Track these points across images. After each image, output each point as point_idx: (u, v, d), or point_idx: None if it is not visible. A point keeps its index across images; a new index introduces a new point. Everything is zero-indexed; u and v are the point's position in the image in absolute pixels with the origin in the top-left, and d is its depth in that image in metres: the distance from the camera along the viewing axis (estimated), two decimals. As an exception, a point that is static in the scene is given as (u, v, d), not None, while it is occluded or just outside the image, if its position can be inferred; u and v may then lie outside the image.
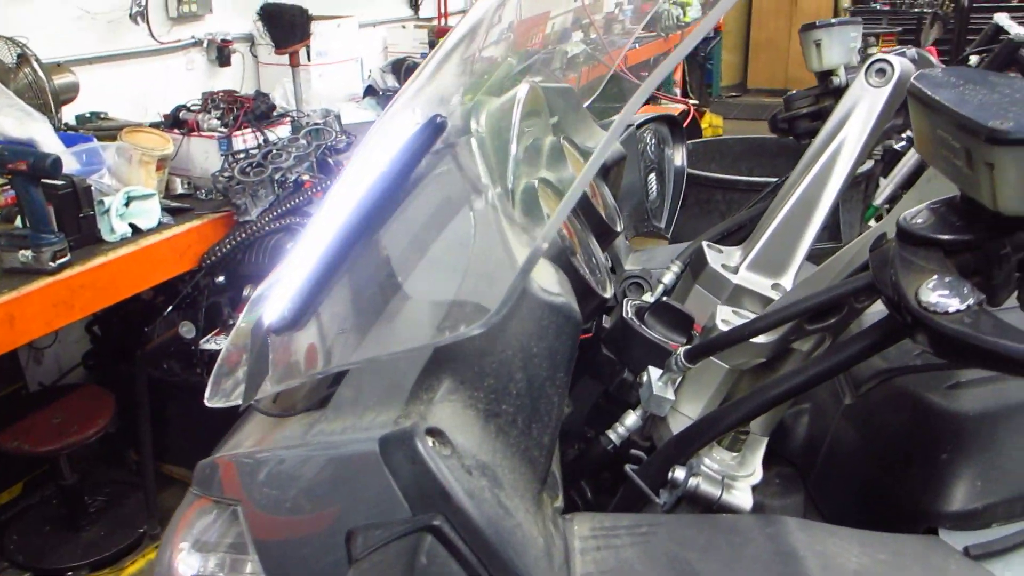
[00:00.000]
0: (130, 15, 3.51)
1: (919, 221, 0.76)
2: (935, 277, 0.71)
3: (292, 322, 0.90)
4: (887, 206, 3.79)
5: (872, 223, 4.17)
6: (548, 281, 0.86)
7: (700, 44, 8.87)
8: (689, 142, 4.48)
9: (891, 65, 1.24)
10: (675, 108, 5.97)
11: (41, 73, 2.91)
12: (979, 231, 0.74)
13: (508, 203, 0.92)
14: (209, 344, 2.97)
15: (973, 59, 3.36)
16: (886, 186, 3.45)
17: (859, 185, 3.50)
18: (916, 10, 9.70)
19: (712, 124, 8.79)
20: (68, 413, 2.88)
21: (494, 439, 0.82)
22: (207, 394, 1.05)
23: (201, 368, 3.07)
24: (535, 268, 0.86)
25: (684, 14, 7.48)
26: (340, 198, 1.04)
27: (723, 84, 11.40)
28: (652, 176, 1.89)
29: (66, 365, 3.46)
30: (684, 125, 5.79)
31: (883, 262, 0.77)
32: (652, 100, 6.41)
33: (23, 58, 2.91)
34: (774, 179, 3.57)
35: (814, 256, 1.29)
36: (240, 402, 0.98)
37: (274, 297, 0.99)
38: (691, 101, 6.41)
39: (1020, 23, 3.40)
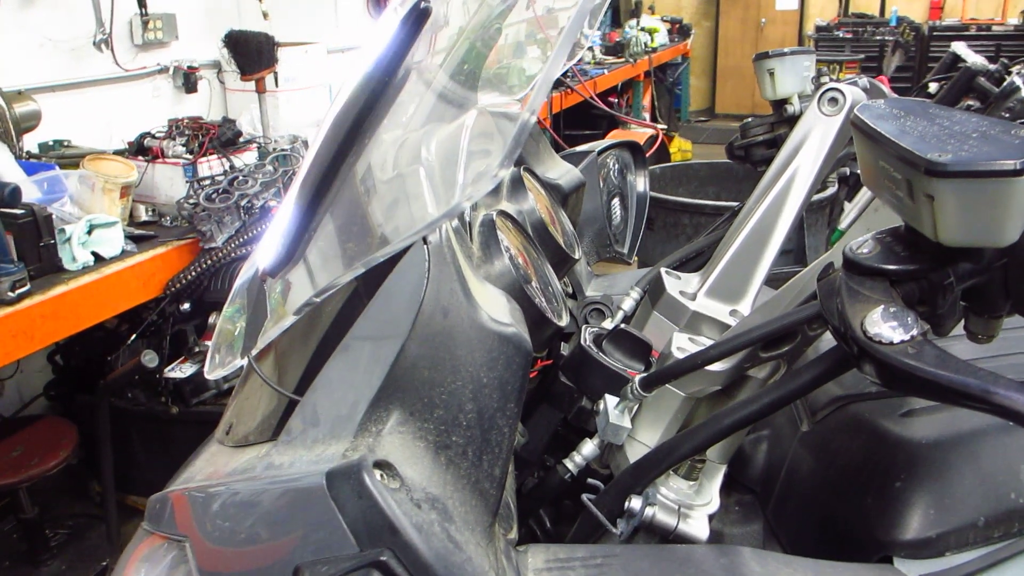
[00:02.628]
0: (94, 43, 3.50)
1: (865, 251, 0.77)
2: (880, 308, 0.72)
3: (285, 259, 0.88)
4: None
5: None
6: (499, 311, 0.86)
7: (668, 69, 8.99)
8: (657, 167, 4.53)
9: (843, 94, 1.26)
10: (644, 133, 6.04)
11: (1, 101, 2.88)
12: (923, 261, 0.75)
13: (465, 236, 0.91)
14: (174, 372, 2.93)
15: (932, 86, 3.43)
16: (850, 210, 3.49)
17: (823, 209, 3.54)
18: (878, 38, 9.90)
19: (681, 148, 8.88)
20: (28, 445, 2.83)
21: (444, 471, 0.81)
22: (206, 367, 1.02)
23: (166, 397, 3.03)
24: (485, 298, 0.86)
25: (652, 40, 7.57)
26: (325, 123, 1.01)
27: (692, 109, 11.54)
28: (616, 201, 1.90)
29: (28, 395, 3.40)
30: (653, 149, 5.85)
31: (830, 292, 0.78)
32: (621, 124, 6.48)
33: (-17, 86, 2.88)
34: (740, 203, 3.64)
35: (778, 280, 1.30)
36: (239, 360, 0.95)
37: (264, 245, 0.97)
38: (660, 126, 6.48)
39: (977, 52, 3.49)
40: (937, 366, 0.68)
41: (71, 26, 3.47)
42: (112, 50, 3.56)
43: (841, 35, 10.27)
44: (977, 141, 0.71)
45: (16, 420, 3.20)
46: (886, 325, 0.71)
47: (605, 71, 6.39)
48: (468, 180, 0.73)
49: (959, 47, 3.47)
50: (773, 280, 1.30)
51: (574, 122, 6.26)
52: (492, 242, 1.01)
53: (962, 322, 0.82)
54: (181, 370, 2.92)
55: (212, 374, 0.95)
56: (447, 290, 0.83)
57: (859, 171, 0.84)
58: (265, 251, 0.91)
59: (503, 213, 1.08)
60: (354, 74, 0.97)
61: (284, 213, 0.89)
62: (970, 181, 0.67)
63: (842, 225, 3.82)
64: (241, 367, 0.95)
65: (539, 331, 1.03)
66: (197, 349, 2.96)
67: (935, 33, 10.15)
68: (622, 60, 6.89)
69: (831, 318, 0.77)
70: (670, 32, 8.72)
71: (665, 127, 7.45)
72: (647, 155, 5.75)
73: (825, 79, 1.53)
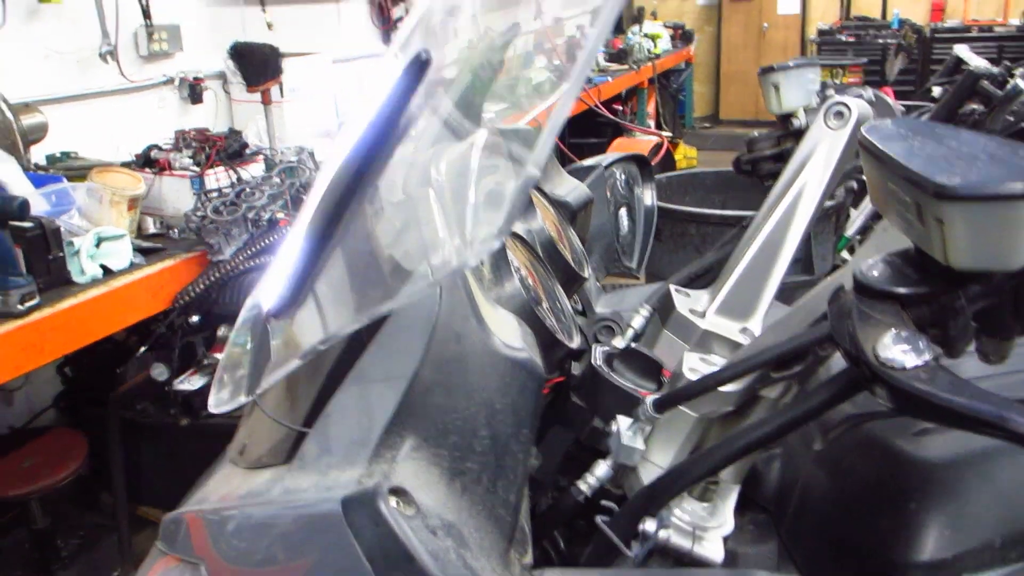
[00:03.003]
0: (100, 54, 3.51)
1: (875, 274, 0.77)
2: (892, 332, 0.72)
3: (290, 302, 0.89)
4: (858, 237, 3.85)
5: (844, 254, 4.22)
6: (511, 336, 0.86)
7: (672, 76, 9.00)
8: (662, 175, 4.53)
9: (848, 108, 1.26)
10: (649, 140, 6.04)
11: (8, 114, 2.90)
12: (934, 284, 0.75)
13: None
14: (183, 385, 2.94)
15: (936, 90, 3.44)
16: (856, 217, 3.50)
17: (830, 217, 3.54)
18: (880, 41, 9.90)
19: (686, 155, 8.89)
20: (39, 457, 2.84)
21: (459, 497, 0.81)
22: (211, 401, 1.02)
23: (175, 409, 3.03)
24: (495, 323, 0.86)
25: (655, 46, 7.58)
26: (332, 162, 1.01)
27: (696, 115, 11.55)
28: (623, 211, 1.90)
29: (37, 406, 3.41)
30: (659, 157, 5.84)
31: (841, 315, 0.78)
32: (626, 132, 6.49)
33: (-9, 99, 2.90)
34: (747, 212, 3.63)
35: (786, 290, 1.30)
36: (243, 398, 0.96)
37: (269, 284, 0.97)
38: (665, 133, 6.49)
39: (979, 55, 3.49)
40: (951, 392, 0.68)
41: (76, 38, 3.48)
42: (117, 61, 3.57)
43: (843, 39, 10.27)
44: (986, 163, 0.71)
45: (26, 431, 3.21)
46: (898, 350, 0.71)
47: (609, 78, 6.40)
48: (472, 239, 0.74)
49: (962, 50, 3.48)
50: (781, 290, 1.30)
51: (579, 130, 6.26)
52: (502, 264, 1.02)
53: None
54: (190, 382, 2.92)
55: (217, 408, 0.95)
56: (459, 315, 0.84)
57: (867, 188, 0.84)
58: (269, 290, 0.91)
59: (512, 233, 1.09)
60: (355, 121, 0.97)
61: (288, 253, 0.89)
62: (980, 204, 0.67)
63: (849, 232, 3.83)
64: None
65: (550, 353, 1.04)
66: (206, 361, 2.96)
67: (937, 35, 10.16)
68: (625, 67, 6.90)
69: (843, 341, 0.77)
70: (673, 38, 8.74)
71: (670, 134, 7.46)
72: (653, 163, 5.77)
73: (830, 92, 1.53)
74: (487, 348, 0.84)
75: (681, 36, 9.16)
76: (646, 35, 7.44)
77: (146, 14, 3.66)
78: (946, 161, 0.70)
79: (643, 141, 6.15)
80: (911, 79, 9.80)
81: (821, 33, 10.74)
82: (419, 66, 0.78)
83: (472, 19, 1.41)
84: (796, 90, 1.51)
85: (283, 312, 0.87)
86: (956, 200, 0.66)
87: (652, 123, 8.04)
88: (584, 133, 6.29)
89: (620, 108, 7.13)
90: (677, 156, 8.03)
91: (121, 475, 3.06)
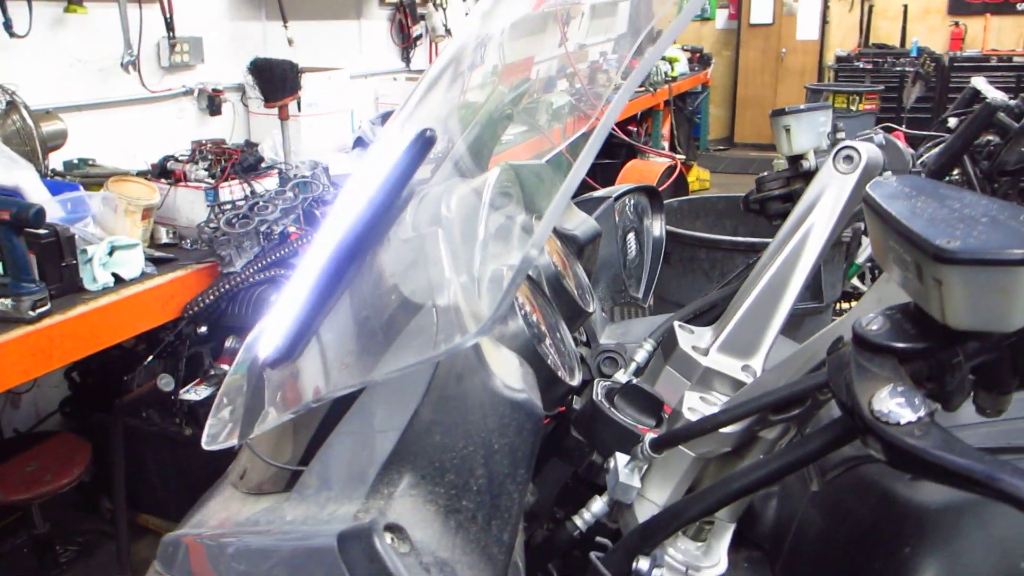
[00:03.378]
0: (121, 64, 3.55)
1: (874, 328, 0.77)
2: (889, 387, 0.73)
3: (287, 354, 0.90)
4: (869, 264, 3.85)
5: (855, 281, 4.21)
6: (511, 376, 0.87)
7: (688, 98, 9.02)
8: (673, 200, 4.54)
9: (858, 152, 1.26)
10: (663, 163, 6.06)
11: (29, 120, 2.94)
12: (932, 339, 0.75)
13: (474, 294, 0.93)
14: (189, 394, 2.96)
15: (952, 121, 3.44)
16: (868, 245, 3.50)
17: (840, 245, 3.54)
18: (898, 69, 9.90)
19: (699, 177, 8.91)
20: (42, 461, 2.85)
21: (454, 535, 0.82)
22: (204, 438, 1.03)
23: (180, 418, 3.06)
24: (496, 362, 0.87)
25: (672, 69, 7.60)
26: (331, 226, 1.04)
27: (711, 138, 11.57)
28: (631, 236, 1.90)
29: (44, 410, 3.44)
30: (671, 180, 5.84)
31: (839, 366, 0.79)
32: (640, 154, 6.50)
33: (12, 105, 2.94)
34: (757, 239, 3.63)
35: (795, 317, 1.30)
36: (235, 442, 0.97)
37: (268, 332, 0.98)
38: (678, 156, 6.50)
39: (997, 85, 3.50)
40: (943, 449, 0.69)
41: (99, 47, 3.53)
42: (139, 71, 3.62)
43: (861, 66, 10.29)
44: (986, 227, 0.71)
45: (31, 435, 3.23)
46: (894, 404, 0.72)
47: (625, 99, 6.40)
48: (470, 325, 0.75)
49: (979, 82, 3.48)
50: (792, 317, 1.30)
51: (592, 150, 6.26)
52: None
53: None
54: (196, 392, 2.94)
55: (208, 445, 0.96)
56: (461, 355, 0.85)
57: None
58: (267, 338, 0.92)
59: (513, 267, 1.09)
60: (356, 191, 1.00)
61: (288, 304, 0.91)
62: (978, 269, 0.68)
63: (859, 259, 3.83)
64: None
65: (551, 390, 1.05)
66: (213, 372, 2.98)
67: (955, 64, 10.16)
68: (642, 89, 6.91)
69: (839, 393, 0.78)
70: (690, 61, 8.76)
71: (684, 156, 7.47)
72: (666, 185, 5.77)
73: (841, 135, 1.54)
74: (487, 388, 0.85)
75: (699, 59, 9.18)
76: (664, 58, 7.46)
77: (169, 26, 3.71)
78: (947, 223, 0.70)
79: (656, 163, 6.17)
80: (928, 107, 9.81)
81: (839, 59, 10.76)
82: (423, 144, 0.80)
83: (499, 47, 1.43)
84: (807, 133, 1.52)
85: (278, 363, 0.89)
86: (955, 264, 0.67)
87: (666, 145, 8.05)
88: (598, 154, 6.29)
89: (635, 129, 7.15)
90: (690, 178, 8.05)
91: (123, 482, 3.07)
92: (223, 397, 1.02)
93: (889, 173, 1.39)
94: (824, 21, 11.52)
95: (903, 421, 0.71)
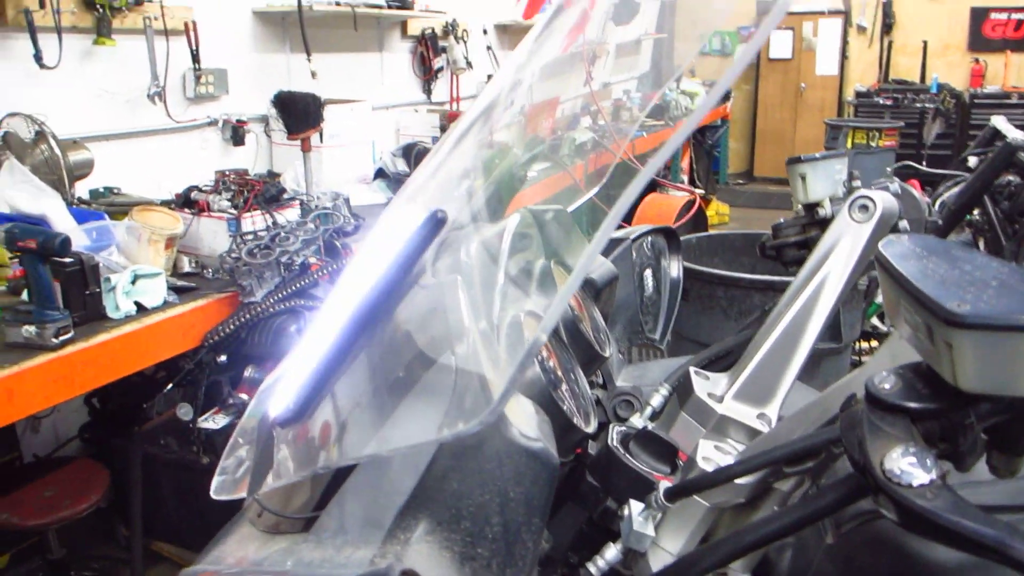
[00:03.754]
0: (148, 95, 3.62)
1: (887, 387, 0.78)
2: (900, 447, 0.73)
3: (296, 416, 0.92)
4: (888, 304, 3.82)
5: (875, 320, 4.19)
6: (527, 425, 0.88)
7: (707, 132, 9.05)
8: (691, 236, 4.55)
9: (873, 202, 1.27)
10: (682, 197, 6.07)
11: (57, 150, 3.00)
12: (944, 400, 0.76)
13: (492, 340, 0.94)
14: (207, 423, 2.98)
15: (972, 160, 3.44)
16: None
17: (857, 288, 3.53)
18: (918, 105, 9.89)
19: (719, 211, 8.91)
20: (60, 487, 2.87)
21: (468, 583, 0.83)
22: (212, 486, 1.05)
23: (198, 447, 3.07)
24: (513, 411, 0.89)
25: (692, 102, 7.63)
26: (344, 291, 1.06)
27: (730, 171, 11.59)
28: (648, 272, 1.91)
29: (63, 435, 3.47)
30: (690, 215, 5.84)
31: (851, 424, 0.79)
32: (659, 188, 6.52)
33: (40, 135, 3.00)
34: (775, 277, 3.62)
35: (814, 356, 1.30)
36: (244, 495, 0.99)
37: (280, 390, 1.00)
38: (698, 190, 6.51)
39: (1018, 122, 3.49)
40: (954, 513, 0.69)
41: (127, 78, 3.61)
42: (165, 102, 3.69)
43: (881, 101, 10.29)
44: (996, 291, 0.72)
45: (50, 460, 3.26)
46: (905, 466, 0.72)
47: (644, 133, 6.45)
48: (475, 406, 0.77)
49: (999, 122, 3.48)
50: (810, 356, 1.30)
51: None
52: (520, 347, 1.04)
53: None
54: (214, 421, 2.96)
55: (217, 495, 0.97)
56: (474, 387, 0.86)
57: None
58: (278, 396, 0.94)
59: (532, 314, 1.11)
60: (364, 265, 1.03)
61: (301, 364, 0.93)
62: (988, 334, 0.69)
63: (879, 299, 3.80)
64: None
65: (567, 437, 1.06)
66: (231, 401, 3.00)
67: (976, 101, 10.14)
68: (661, 123, 6.95)
69: (852, 450, 0.78)
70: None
71: (703, 190, 7.49)
72: (685, 219, 5.77)
73: (857, 183, 1.55)
74: (504, 437, 0.86)
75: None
76: (683, 92, 7.50)
77: (195, 58, 3.78)
78: (958, 286, 0.71)
79: (675, 197, 6.18)
80: (948, 144, 9.79)
81: (859, 95, 10.77)
82: (434, 224, 0.83)
83: (528, 89, 1.46)
84: (823, 181, 1.53)
85: (288, 423, 0.90)
86: (965, 328, 0.68)
87: (686, 179, 8.07)
88: (616, 185, 6.32)
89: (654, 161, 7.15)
90: (709, 212, 8.05)
91: (139, 509, 3.09)
92: (238, 438, 1.04)
93: (905, 223, 1.40)
94: (843, 56, 11.56)
95: (915, 483, 0.71)
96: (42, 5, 3.10)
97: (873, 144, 8.82)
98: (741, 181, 11.90)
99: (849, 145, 8.80)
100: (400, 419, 0.84)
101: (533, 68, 1.42)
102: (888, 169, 8.36)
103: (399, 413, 0.85)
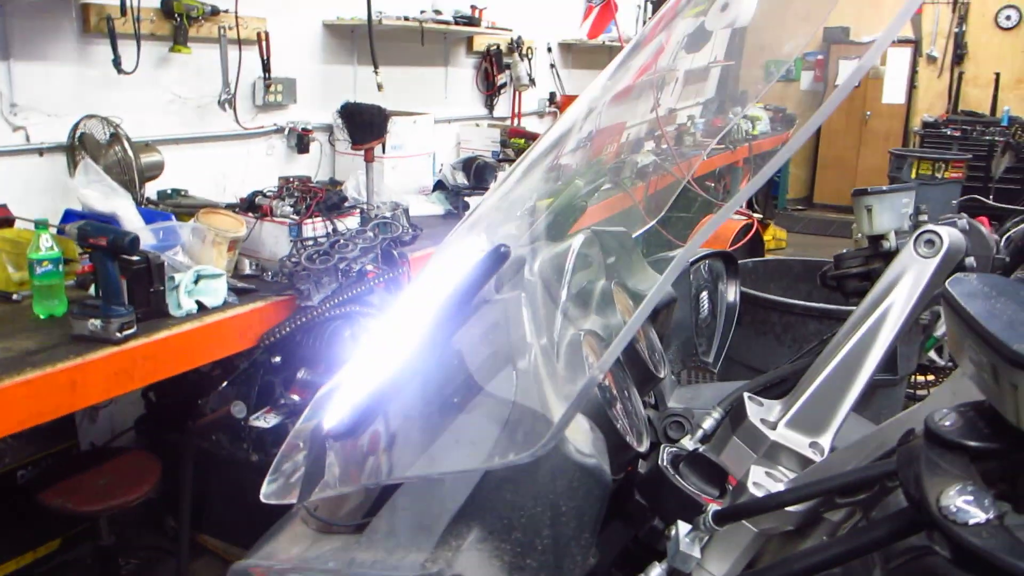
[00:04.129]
0: (219, 102, 3.72)
1: (947, 424, 0.77)
2: (958, 485, 0.73)
3: (350, 431, 0.94)
4: (947, 338, 3.74)
5: (932, 354, 4.10)
6: (581, 441, 0.89)
7: (767, 157, 8.96)
8: (748, 261, 4.51)
9: (940, 237, 1.26)
10: (739, 221, 6.02)
11: (130, 151, 3.10)
12: (1006, 440, 0.75)
13: (552, 357, 0.96)
14: (258, 421, 3.04)
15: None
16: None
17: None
18: (987, 138, 9.67)
19: (776, 236, 8.81)
20: (114, 476, 2.94)
21: (515, 593, 0.84)
22: (263, 489, 1.07)
23: (248, 444, 3.13)
24: (570, 427, 0.90)
25: (753, 127, 7.58)
26: (406, 314, 1.09)
27: (790, 197, 11.46)
28: (704, 295, 1.90)
29: (119, 426, 3.56)
30: (747, 239, 5.80)
31: (909, 460, 0.79)
32: (716, 211, 6.46)
33: (115, 136, 3.10)
34: (831, 306, 3.57)
35: (868, 387, 1.29)
36: (295, 501, 1.01)
37: (335, 403, 1.03)
38: (755, 214, 6.45)
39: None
40: (1010, 554, 0.68)
41: (199, 85, 3.71)
42: (234, 109, 3.78)
43: (948, 132, 10.07)
44: None
45: (106, 450, 3.35)
46: (962, 504, 0.71)
47: (704, 157, 6.41)
48: (529, 438, 0.78)
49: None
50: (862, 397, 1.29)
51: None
52: (577, 363, 1.05)
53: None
54: (265, 420, 3.02)
55: (266, 498, 1.00)
56: (533, 413, 0.87)
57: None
58: (332, 410, 0.96)
59: (592, 333, 1.12)
60: (428, 290, 1.05)
61: (356, 380, 0.95)
62: None
63: (937, 332, 3.73)
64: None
65: (619, 455, 1.06)
66: (283, 401, 3.06)
67: (1049, 134, 9.88)
68: (722, 147, 6.91)
69: (908, 486, 0.78)
70: (772, 120, 8.72)
71: (761, 215, 7.41)
72: (741, 244, 5.71)
73: (923, 217, 1.53)
74: (558, 452, 0.87)
75: (782, 119, 9.14)
76: (746, 116, 7.45)
77: (266, 67, 3.88)
78: None
79: (732, 221, 6.12)
80: (1017, 178, 9.54)
81: (926, 125, 10.57)
82: (496, 259, 0.85)
83: (596, 115, 1.48)
84: (889, 214, 1.51)
85: (341, 437, 0.92)
86: None
87: (743, 203, 7.99)
88: (675, 208, 6.29)
89: (712, 185, 7.12)
90: (767, 237, 7.97)
91: (188, 502, 3.15)
92: (293, 441, 1.06)
93: (972, 260, 1.38)
94: (912, 86, 11.37)
95: (971, 521, 0.70)
96: (123, 12, 3.21)
97: (939, 175, 8.65)
98: (800, 207, 11.75)
99: (913, 175, 8.64)
100: (452, 442, 0.86)
101: (606, 97, 1.44)
102: (953, 202, 8.22)
103: (451, 435, 0.87)
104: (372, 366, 0.96)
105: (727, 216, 0.85)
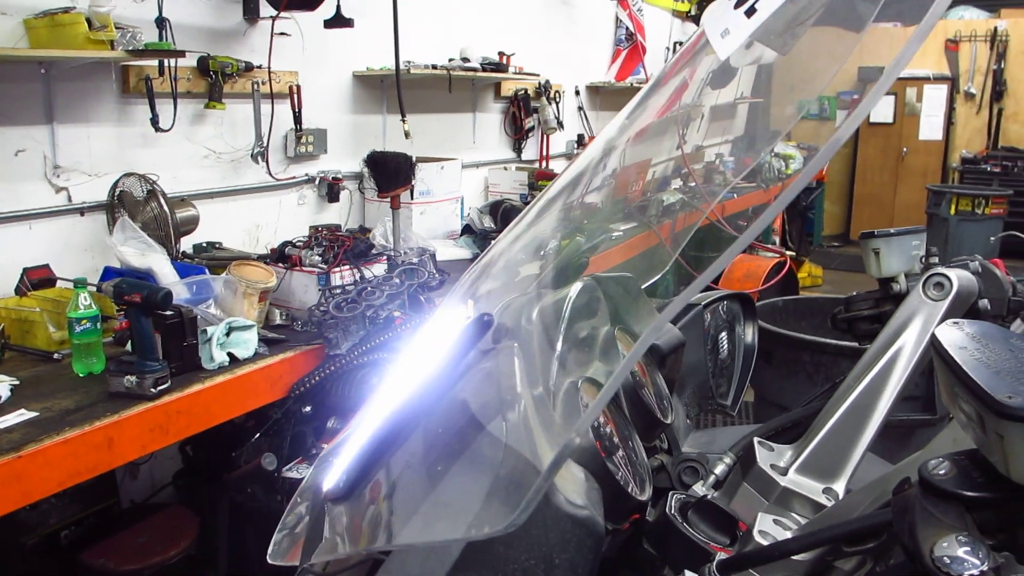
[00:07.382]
0: (252, 154, 3.81)
1: (941, 473, 0.77)
2: (953, 536, 0.72)
3: (345, 493, 0.95)
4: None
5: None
6: (574, 492, 0.89)
7: (802, 194, 8.90)
8: (779, 299, 4.47)
9: (949, 280, 1.25)
10: (771, 258, 5.98)
11: (166, 207, 3.18)
12: (1001, 490, 0.74)
13: (548, 405, 0.96)
14: (291, 472, 3.06)
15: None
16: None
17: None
18: (1028, 174, 9.53)
19: (811, 273, 8.72)
20: (154, 533, 2.97)
21: (512, 647, 0.84)
22: (269, 551, 1.09)
23: (281, 496, 3.15)
24: (562, 477, 0.90)
25: (787, 167, 7.54)
26: (398, 379, 1.11)
27: (825, 234, 11.35)
28: (723, 335, 1.88)
29: (159, 481, 3.59)
30: (780, 276, 5.73)
31: (904, 509, 0.78)
32: (749, 249, 6.43)
33: (151, 193, 3.19)
34: (864, 345, 3.52)
35: (903, 427, 1.28)
36: (297, 563, 1.02)
37: (334, 465, 1.04)
38: (788, 252, 6.40)
39: None
40: None
41: (233, 139, 3.80)
42: (267, 161, 3.87)
43: (989, 168, 9.95)
44: None
45: (145, 507, 3.38)
46: (956, 555, 0.71)
47: (735, 196, 6.40)
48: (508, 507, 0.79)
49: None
50: (896, 427, 1.28)
51: (698, 244, 6.23)
52: (574, 412, 1.05)
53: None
54: (298, 471, 3.04)
55: (272, 559, 1.01)
56: (520, 468, 0.87)
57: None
58: (330, 471, 0.98)
59: (591, 380, 1.12)
60: (417, 359, 1.07)
61: (354, 443, 0.97)
62: None
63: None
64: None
65: (619, 504, 1.06)
66: (315, 451, 3.08)
67: (1089, 172, 9.72)
68: (753, 185, 6.89)
69: (903, 536, 0.77)
70: (806, 159, 8.67)
71: (794, 252, 7.35)
72: (774, 282, 5.66)
73: (934, 259, 1.52)
74: (550, 504, 0.87)
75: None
76: (778, 155, 7.42)
77: (297, 119, 3.97)
78: (1013, 376, 0.70)
79: (766, 259, 6.09)
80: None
81: (965, 161, 10.46)
82: (480, 328, 0.87)
83: (620, 154, 1.49)
84: (897, 256, 1.50)
85: (339, 499, 0.94)
86: (1017, 420, 0.67)
87: (777, 240, 7.94)
88: (703, 247, 6.26)
89: (744, 224, 7.09)
90: (802, 274, 7.89)
91: (225, 555, 3.17)
92: (298, 499, 1.08)
93: (986, 302, 1.36)
94: (949, 122, 11.26)
95: (965, 573, 0.69)
96: (161, 72, 3.33)
97: (979, 212, 8.53)
98: (836, 244, 11.63)
99: (952, 212, 8.53)
100: (433, 510, 0.87)
101: (628, 134, 1.46)
102: (992, 239, 8.08)
103: (433, 503, 0.87)
104: (367, 429, 0.97)
105: (729, 260, 0.85)
